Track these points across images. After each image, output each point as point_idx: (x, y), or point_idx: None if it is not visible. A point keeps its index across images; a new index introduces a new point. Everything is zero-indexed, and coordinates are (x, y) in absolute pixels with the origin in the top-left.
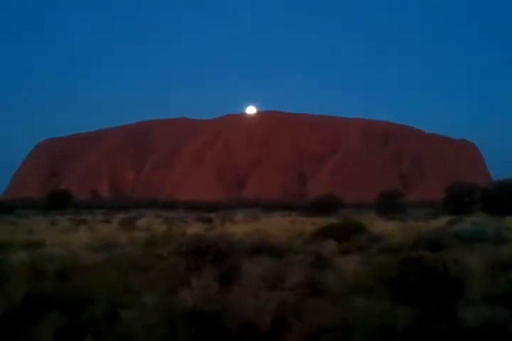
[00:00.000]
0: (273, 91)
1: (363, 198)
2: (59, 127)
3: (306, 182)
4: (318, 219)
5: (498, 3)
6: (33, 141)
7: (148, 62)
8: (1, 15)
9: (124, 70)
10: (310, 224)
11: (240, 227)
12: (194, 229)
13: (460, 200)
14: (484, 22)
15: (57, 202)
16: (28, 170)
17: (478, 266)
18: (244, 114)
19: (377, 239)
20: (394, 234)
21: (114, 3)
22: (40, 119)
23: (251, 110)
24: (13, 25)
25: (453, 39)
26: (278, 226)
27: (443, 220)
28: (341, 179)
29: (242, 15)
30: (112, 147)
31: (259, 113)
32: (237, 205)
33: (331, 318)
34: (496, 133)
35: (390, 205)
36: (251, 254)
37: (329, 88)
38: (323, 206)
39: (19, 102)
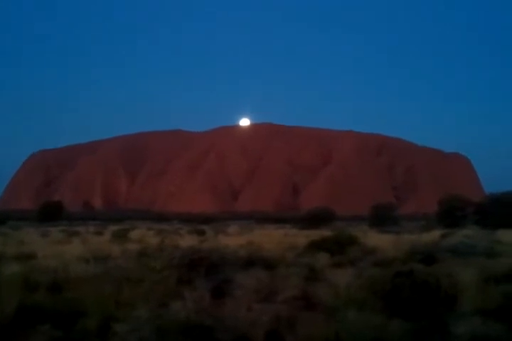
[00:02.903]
0: (267, 103)
1: (356, 211)
2: (53, 138)
3: (299, 194)
4: (312, 232)
5: (498, 13)
6: (27, 152)
7: (142, 75)
8: None
9: (119, 82)
10: (303, 237)
11: (233, 240)
12: (187, 241)
13: (453, 213)
14: (481, 33)
15: (50, 213)
16: (22, 181)
17: (471, 280)
18: (238, 126)
19: (370, 252)
20: (387, 247)
21: (109, 22)
22: (35, 130)
23: (245, 122)
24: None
25: (446, 52)
26: (271, 238)
27: (436, 233)
28: (334, 191)
29: (236, 28)
30: (106, 158)
31: (252, 125)
32: (230, 217)
33: (324, 331)
34: (487, 145)
35: (383, 218)
36: (244, 267)
37: (323, 100)
38: (317, 218)
39: (13, 112)
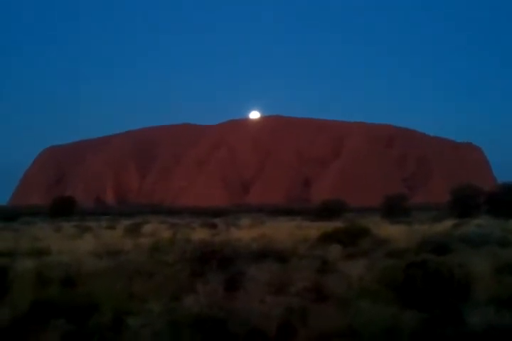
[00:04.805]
0: (277, 95)
1: (368, 202)
2: (63, 134)
3: (310, 186)
4: (323, 224)
5: (499, 7)
6: (38, 148)
7: (151, 69)
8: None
9: (128, 76)
10: (315, 229)
11: (245, 232)
12: (199, 234)
13: (465, 203)
14: (485, 25)
15: (62, 209)
16: (34, 177)
17: (484, 269)
18: (247, 119)
19: (382, 243)
20: (399, 237)
21: (115, 13)
22: (45, 126)
23: (255, 115)
24: (14, 36)
25: (455, 41)
26: (283, 231)
27: (448, 223)
28: (345, 183)
29: (244, 20)
30: (117, 153)
31: (262, 117)
32: (241, 210)
33: (337, 323)
34: (500, 135)
35: (394, 209)
36: (256, 259)
37: (333, 92)
38: (328, 210)
39: (24, 109)
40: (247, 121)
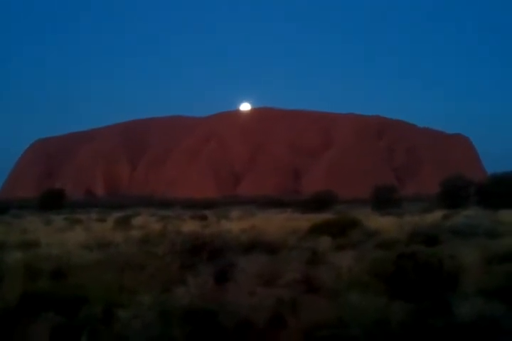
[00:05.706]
0: (267, 87)
1: (358, 193)
2: (52, 126)
3: (300, 178)
4: (314, 216)
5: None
6: (27, 141)
7: (140, 60)
8: None
9: (117, 68)
10: (305, 221)
11: (235, 224)
12: (190, 226)
13: (455, 194)
14: (476, 17)
15: (52, 201)
16: (23, 171)
17: (473, 260)
18: (238, 111)
19: (372, 235)
20: (389, 229)
21: (114, 3)
22: (34, 119)
23: (245, 107)
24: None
25: (446, 33)
26: (273, 222)
27: (438, 214)
28: (336, 174)
29: (234, 11)
30: (106, 146)
31: (253, 109)
32: (232, 202)
33: (327, 314)
34: (489, 126)
35: (385, 200)
36: (246, 251)
37: (323, 83)
38: (319, 202)
39: (12, 102)
40: (237, 113)
